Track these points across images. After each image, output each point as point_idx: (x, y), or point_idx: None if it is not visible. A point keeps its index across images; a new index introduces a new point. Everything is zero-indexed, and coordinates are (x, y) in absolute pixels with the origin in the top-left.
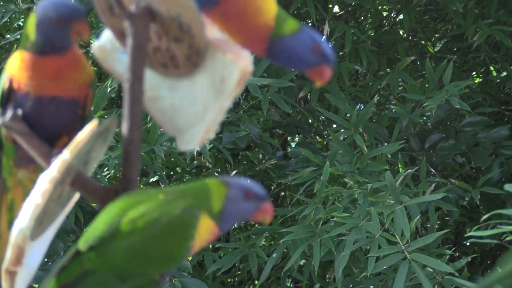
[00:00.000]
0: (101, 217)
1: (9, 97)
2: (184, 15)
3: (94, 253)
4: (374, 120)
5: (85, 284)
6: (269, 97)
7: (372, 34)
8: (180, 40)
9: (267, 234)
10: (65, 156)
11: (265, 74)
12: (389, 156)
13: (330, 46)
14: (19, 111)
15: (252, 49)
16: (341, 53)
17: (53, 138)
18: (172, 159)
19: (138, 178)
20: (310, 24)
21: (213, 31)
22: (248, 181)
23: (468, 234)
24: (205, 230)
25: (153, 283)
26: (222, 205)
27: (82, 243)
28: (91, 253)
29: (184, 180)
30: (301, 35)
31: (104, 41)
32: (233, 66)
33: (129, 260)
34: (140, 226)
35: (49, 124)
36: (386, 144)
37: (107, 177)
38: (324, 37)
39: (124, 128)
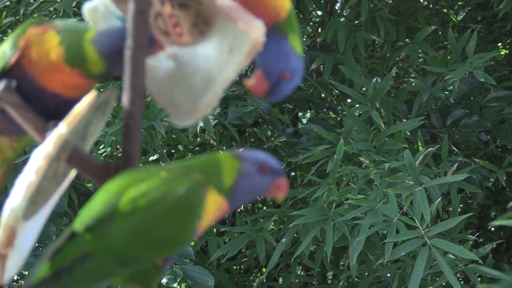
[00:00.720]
0: (99, 196)
1: (11, 71)
2: None
3: (91, 235)
4: (392, 95)
5: (82, 269)
6: None
7: (390, 1)
8: (186, 6)
9: (276, 218)
10: (61, 130)
11: None
12: (408, 133)
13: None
14: (13, 83)
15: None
16: (356, 22)
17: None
18: (174, 136)
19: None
20: None
21: None
22: (263, 154)
23: (495, 223)
24: (213, 207)
25: (154, 268)
26: (234, 180)
27: (78, 224)
28: (88, 234)
29: (187, 158)
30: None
31: (98, 3)
32: (244, 36)
33: (129, 243)
34: (141, 206)
35: (46, 112)
36: (404, 120)
37: (103, 155)
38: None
39: (125, 100)
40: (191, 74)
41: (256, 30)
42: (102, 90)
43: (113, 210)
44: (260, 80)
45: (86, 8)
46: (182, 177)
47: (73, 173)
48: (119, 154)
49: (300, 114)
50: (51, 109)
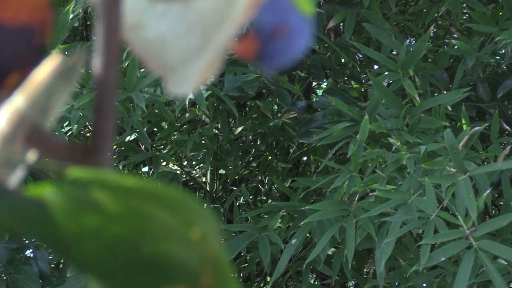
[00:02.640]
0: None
1: None
2: None
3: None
4: (430, 60)
5: None
6: None
7: None
8: None
9: (284, 213)
10: (18, 102)
11: None
12: (449, 108)
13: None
14: None
15: None
16: None
17: None
18: (156, 111)
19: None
20: None
21: None
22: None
23: None
24: None
25: None
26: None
27: None
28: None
29: (173, 138)
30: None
31: None
32: None
33: None
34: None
35: None
36: (445, 92)
37: (68, 134)
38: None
39: (97, 65)
40: (184, 32)
41: None
42: (67, 53)
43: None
44: (249, 40)
45: None
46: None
47: (32, 157)
48: (88, 134)
49: (314, 83)
50: None
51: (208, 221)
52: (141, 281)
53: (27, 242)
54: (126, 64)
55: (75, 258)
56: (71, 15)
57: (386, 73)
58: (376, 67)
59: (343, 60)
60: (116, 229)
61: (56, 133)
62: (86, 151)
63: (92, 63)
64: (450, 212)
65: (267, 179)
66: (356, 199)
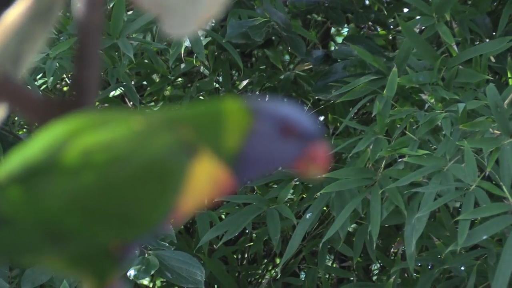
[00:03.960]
0: (36, 141)
1: None
2: None
3: (18, 191)
4: (470, 2)
5: None
6: None
7: None
8: None
9: (297, 182)
10: None
11: None
12: (492, 59)
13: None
14: None
15: None
16: None
17: None
18: (146, 61)
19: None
20: None
21: None
22: (290, 108)
23: None
24: (205, 178)
25: (104, 255)
26: (241, 142)
27: (2, 173)
28: (14, 189)
29: (165, 93)
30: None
31: None
32: None
33: (70, 211)
34: (96, 162)
35: None
36: (487, 40)
37: (42, 88)
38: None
39: (78, 6)
40: None
41: None
42: None
43: (55, 161)
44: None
45: None
46: (162, 131)
47: (1, 112)
48: (65, 87)
49: (333, 29)
50: None
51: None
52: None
53: None
54: (111, 5)
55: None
56: None
57: (418, 17)
58: (406, 10)
59: (367, 2)
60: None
61: (29, 86)
62: (63, 106)
63: (71, 3)
64: (493, 182)
65: None
66: (382, 166)
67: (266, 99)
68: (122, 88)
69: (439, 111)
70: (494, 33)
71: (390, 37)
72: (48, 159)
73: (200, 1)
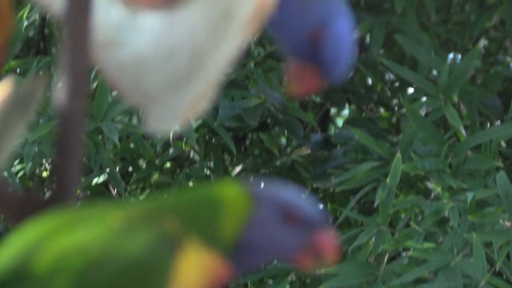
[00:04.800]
0: (8, 244)
1: None
2: None
3: None
4: (479, 82)
5: None
6: None
7: None
8: None
9: (294, 277)
10: None
11: None
12: (503, 144)
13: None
14: None
15: None
16: None
17: None
18: (132, 145)
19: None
20: None
21: None
22: (291, 192)
23: None
24: (195, 272)
25: None
26: (239, 230)
27: None
28: None
29: (152, 180)
30: (313, 7)
31: None
32: None
33: None
34: (71, 267)
35: None
36: (498, 122)
37: (20, 174)
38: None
39: (60, 93)
40: (169, 52)
41: None
42: (20, 69)
43: (26, 269)
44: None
45: None
46: (143, 226)
47: None
48: (45, 173)
49: (333, 111)
50: None
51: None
52: None
53: None
54: (94, 86)
55: None
56: (26, 23)
57: (423, 98)
58: (411, 90)
59: (369, 82)
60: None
61: (5, 174)
62: (43, 202)
63: (53, 89)
64: (504, 277)
65: None
66: (385, 260)
67: (265, 184)
68: (106, 175)
69: (446, 201)
70: (505, 115)
71: (394, 120)
72: (19, 267)
73: (188, 89)
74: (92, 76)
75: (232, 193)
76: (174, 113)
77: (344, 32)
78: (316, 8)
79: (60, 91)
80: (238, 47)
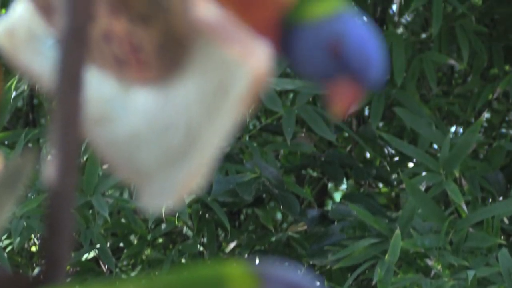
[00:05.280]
0: None
1: None
2: None
3: None
4: (481, 157)
5: None
6: (296, 112)
7: (479, 2)
8: (150, 20)
9: None
10: None
11: (289, 71)
12: (505, 220)
13: (371, 43)
14: None
15: (262, 39)
16: (424, 36)
17: None
18: (123, 221)
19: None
20: None
21: (205, 6)
22: (298, 273)
23: None
24: None
25: None
26: None
27: None
28: None
29: (144, 256)
30: (325, 24)
31: (16, 21)
32: (238, 65)
33: None
34: None
35: None
36: (501, 198)
37: (7, 250)
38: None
39: (50, 170)
40: (163, 128)
41: (255, 56)
42: (8, 141)
43: None
44: (344, 88)
45: None
46: None
47: None
48: (34, 248)
49: (330, 185)
50: None
51: None
52: None
53: None
54: (84, 159)
55: None
56: (14, 93)
57: (424, 173)
58: (411, 165)
59: (368, 156)
60: None
61: None
62: (34, 280)
63: (42, 162)
64: None
65: None
66: None
67: (268, 263)
68: (97, 251)
69: (446, 279)
70: (508, 191)
71: (393, 195)
72: None
73: (182, 166)
74: (82, 150)
75: (237, 273)
76: (168, 190)
77: (363, 35)
78: (328, 26)
79: (49, 165)
80: (233, 123)
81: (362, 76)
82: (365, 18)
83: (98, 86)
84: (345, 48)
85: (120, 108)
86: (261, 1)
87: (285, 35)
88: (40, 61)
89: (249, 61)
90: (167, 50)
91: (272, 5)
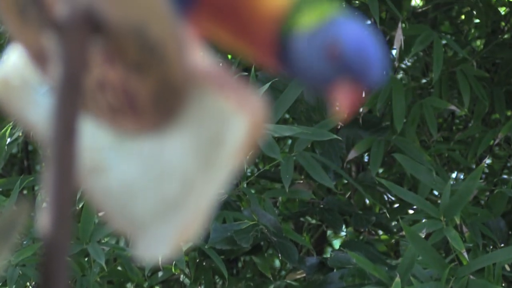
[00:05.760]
0: None
1: None
2: (151, 24)
3: None
4: (482, 203)
5: None
6: (294, 159)
7: (481, 46)
8: (145, 69)
9: None
10: None
11: (288, 116)
12: (507, 267)
13: (373, 47)
14: None
15: (262, 58)
16: (424, 81)
17: None
18: (119, 268)
19: None
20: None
21: (199, 55)
22: None
23: None
24: None
25: None
26: None
27: None
28: None
29: None
30: (320, 30)
31: (10, 70)
32: (234, 114)
33: None
34: None
35: None
36: (502, 246)
37: None
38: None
39: (44, 221)
40: (158, 178)
41: (251, 106)
42: (2, 189)
43: None
44: (345, 90)
45: None
46: None
47: None
48: None
49: (329, 233)
50: None
51: None
52: None
53: None
54: (80, 207)
55: None
56: (8, 140)
57: (424, 220)
58: (411, 212)
59: (367, 202)
60: None
61: None
62: None
63: (37, 209)
64: None
65: None
66: None
67: None
68: None
69: None
70: (510, 238)
71: (393, 242)
72: None
73: (178, 216)
74: (77, 197)
75: None
76: (164, 240)
77: (359, 35)
78: (324, 31)
79: (44, 213)
80: (230, 171)
81: (363, 75)
82: (361, 20)
83: (93, 134)
84: (342, 50)
85: (115, 157)
86: (257, 20)
87: (282, 48)
88: (34, 109)
89: (245, 109)
90: (162, 99)
91: (267, 21)
